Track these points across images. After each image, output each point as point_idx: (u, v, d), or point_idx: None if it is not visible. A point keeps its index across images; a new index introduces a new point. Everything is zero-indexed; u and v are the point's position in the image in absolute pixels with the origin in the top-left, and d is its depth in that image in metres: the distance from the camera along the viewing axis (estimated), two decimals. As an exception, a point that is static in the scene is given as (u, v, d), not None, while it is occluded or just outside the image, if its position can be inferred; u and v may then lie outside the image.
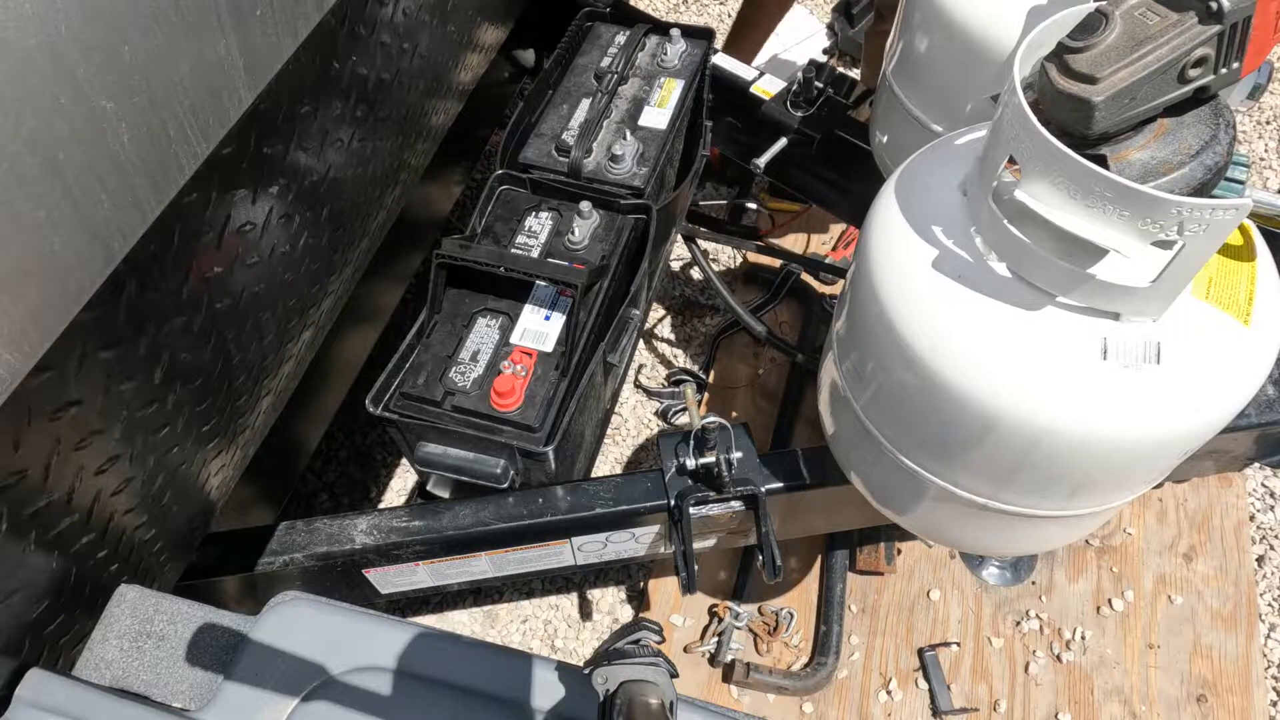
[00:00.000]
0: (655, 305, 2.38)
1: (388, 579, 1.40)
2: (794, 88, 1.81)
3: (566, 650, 1.88)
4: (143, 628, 0.99)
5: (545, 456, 1.27)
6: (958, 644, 1.78)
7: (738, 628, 1.79)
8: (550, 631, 1.91)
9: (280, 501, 1.64)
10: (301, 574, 1.34)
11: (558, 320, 1.38)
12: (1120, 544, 1.90)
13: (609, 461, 2.15)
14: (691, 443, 1.35)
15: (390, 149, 1.38)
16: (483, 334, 1.38)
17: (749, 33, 2.45)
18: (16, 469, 0.81)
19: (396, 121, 1.37)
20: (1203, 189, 0.83)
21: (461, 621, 1.92)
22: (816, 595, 1.84)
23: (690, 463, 1.34)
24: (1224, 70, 0.79)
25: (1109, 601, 1.83)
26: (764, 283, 2.32)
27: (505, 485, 1.33)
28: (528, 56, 2.17)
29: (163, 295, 0.93)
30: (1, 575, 0.84)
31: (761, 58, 2.82)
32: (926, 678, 1.75)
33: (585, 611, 1.93)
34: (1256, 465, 1.93)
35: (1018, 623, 1.81)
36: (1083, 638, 1.79)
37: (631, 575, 1.97)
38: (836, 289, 2.32)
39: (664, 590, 1.87)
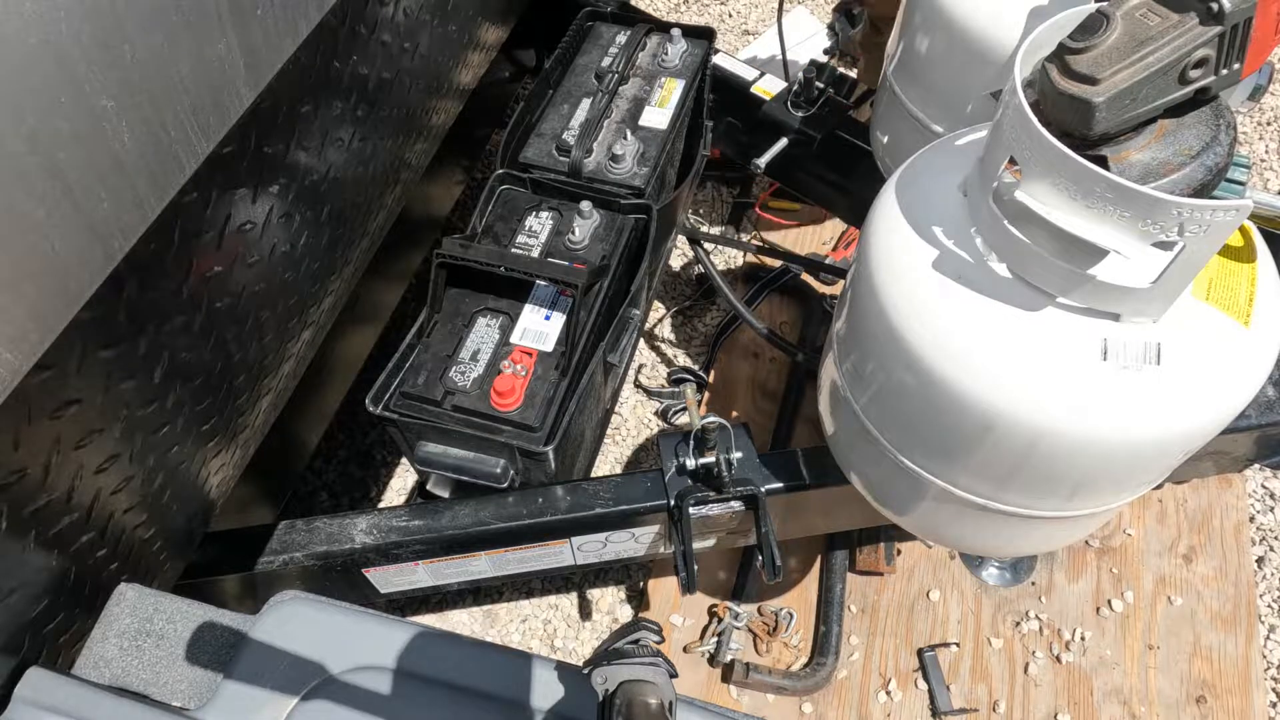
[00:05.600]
0: (655, 305, 2.38)
1: (387, 578, 1.40)
2: (794, 88, 1.81)
3: (566, 650, 1.88)
4: (142, 626, 0.99)
5: (545, 456, 1.27)
6: (957, 644, 1.78)
7: (737, 628, 1.79)
8: (550, 631, 1.91)
9: (280, 501, 1.64)
10: (301, 573, 1.34)
11: (558, 320, 1.38)
12: (1120, 545, 1.90)
13: (609, 461, 2.15)
14: (691, 443, 1.35)
15: (390, 149, 1.38)
16: (483, 333, 1.38)
17: None
18: (16, 467, 0.81)
19: (396, 121, 1.37)
20: (1203, 190, 0.83)
21: (461, 621, 1.92)
22: (816, 595, 1.84)
23: (690, 463, 1.34)
24: (1225, 71, 0.79)
25: (1109, 602, 1.83)
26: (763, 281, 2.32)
27: (505, 485, 1.33)
28: (528, 56, 2.17)
29: (163, 295, 0.93)
30: (1, 573, 0.84)
31: (762, 56, 2.82)
32: (926, 678, 1.75)
33: (585, 611, 1.93)
34: (1256, 466, 1.93)
35: (1017, 623, 1.81)
36: (1082, 638, 1.79)
37: (631, 575, 1.97)
38: (836, 289, 2.32)
39: (664, 590, 1.87)
